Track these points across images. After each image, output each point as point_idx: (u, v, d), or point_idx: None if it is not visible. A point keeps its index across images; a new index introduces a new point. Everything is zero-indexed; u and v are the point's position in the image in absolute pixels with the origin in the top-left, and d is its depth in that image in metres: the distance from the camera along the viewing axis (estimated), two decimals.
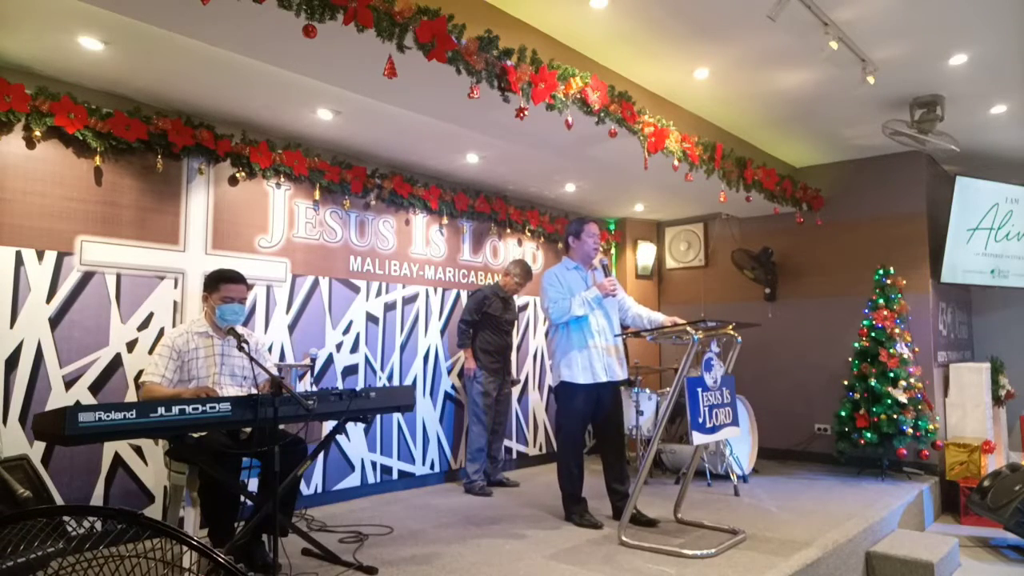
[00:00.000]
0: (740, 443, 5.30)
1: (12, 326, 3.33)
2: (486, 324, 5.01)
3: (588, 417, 3.99)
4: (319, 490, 4.47)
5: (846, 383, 5.63)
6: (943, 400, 5.93)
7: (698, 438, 3.47)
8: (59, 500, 3.31)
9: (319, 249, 4.60)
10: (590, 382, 3.90)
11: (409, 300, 5.14)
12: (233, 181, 4.18)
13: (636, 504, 3.79)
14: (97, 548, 1.20)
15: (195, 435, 2.94)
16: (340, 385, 4.62)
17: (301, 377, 4.44)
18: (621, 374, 4.03)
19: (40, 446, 3.34)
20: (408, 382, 5.07)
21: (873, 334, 5.52)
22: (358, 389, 3.15)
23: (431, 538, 3.68)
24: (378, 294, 4.93)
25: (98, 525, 1.25)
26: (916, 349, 5.63)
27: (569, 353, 3.92)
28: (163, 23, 2.72)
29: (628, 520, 3.67)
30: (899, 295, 5.63)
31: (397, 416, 4.96)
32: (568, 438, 4.00)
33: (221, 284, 3.24)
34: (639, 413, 5.32)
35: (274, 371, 3.08)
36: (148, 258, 3.80)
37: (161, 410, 2.53)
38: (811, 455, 6.18)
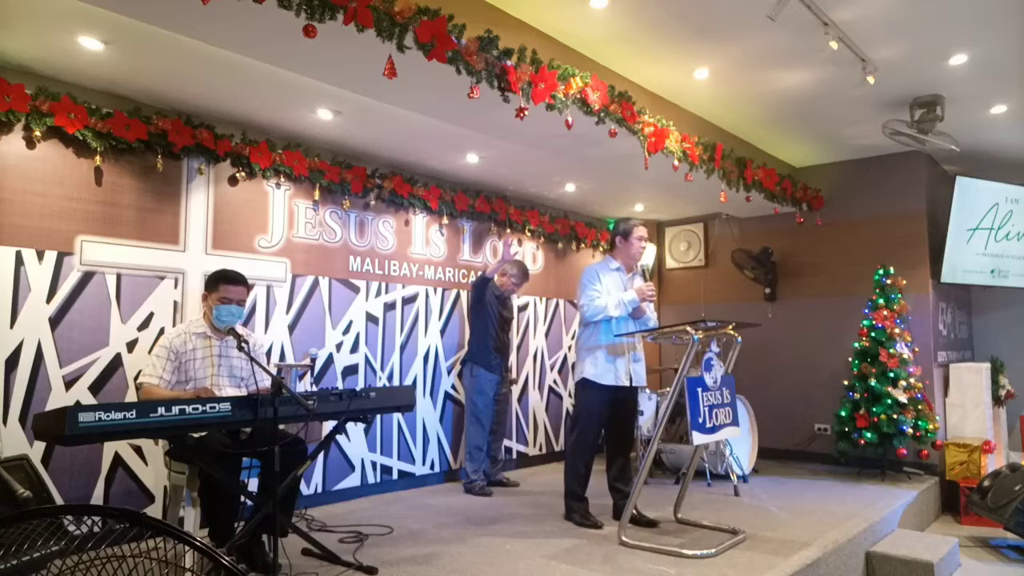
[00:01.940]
0: (740, 443, 5.29)
1: (12, 326, 3.33)
2: (486, 319, 5.01)
3: (604, 418, 3.96)
4: (319, 490, 4.47)
5: (846, 383, 5.63)
6: (943, 400, 5.94)
7: (698, 438, 3.47)
8: (59, 500, 3.31)
9: (319, 249, 4.60)
10: (611, 383, 3.88)
11: (409, 300, 5.14)
12: (233, 181, 4.18)
13: (636, 504, 3.79)
14: (97, 548, 1.20)
15: (195, 435, 2.94)
16: (340, 385, 4.62)
17: (301, 377, 4.44)
18: (643, 379, 4.03)
19: (40, 446, 3.34)
20: (408, 382, 5.07)
21: (873, 334, 5.52)
22: (358, 389, 3.15)
23: (431, 538, 3.68)
24: (378, 294, 4.93)
25: (99, 525, 1.25)
26: (916, 349, 5.63)
27: (596, 352, 3.90)
28: (163, 23, 2.72)
29: (628, 520, 3.67)
30: (899, 295, 5.63)
31: (397, 416, 4.96)
32: (581, 436, 3.97)
33: (220, 284, 3.23)
34: (639, 413, 5.31)
35: (272, 371, 3.08)
36: (148, 258, 3.80)
37: (161, 410, 2.53)
38: (811, 455, 6.18)
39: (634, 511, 3.87)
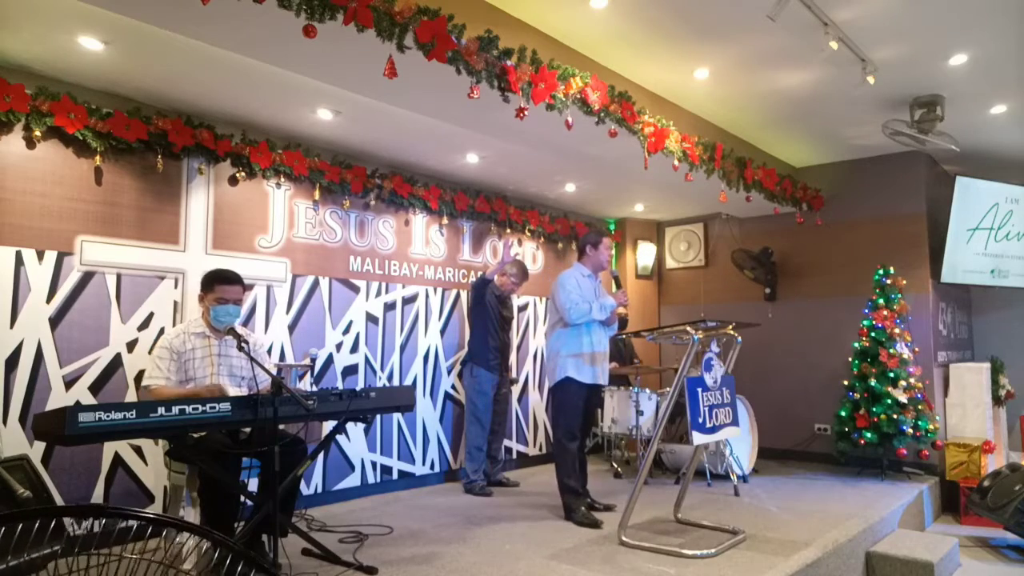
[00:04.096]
0: (740, 443, 5.29)
1: (12, 326, 3.33)
2: (485, 319, 5.01)
3: (583, 414, 4.14)
4: (319, 490, 4.47)
5: (846, 383, 5.63)
6: (943, 400, 5.94)
7: (698, 438, 3.47)
8: (59, 500, 3.31)
9: (319, 249, 4.60)
10: (589, 382, 4.07)
11: (409, 300, 5.14)
12: (233, 181, 4.18)
13: (592, 495, 3.80)
14: (97, 548, 1.20)
15: (195, 435, 2.94)
16: (340, 385, 4.62)
17: (301, 377, 4.44)
18: (607, 379, 4.26)
19: (40, 446, 3.34)
20: (408, 382, 5.07)
21: (873, 334, 5.52)
22: (358, 389, 3.15)
23: (431, 538, 3.68)
24: (378, 294, 4.93)
25: (97, 525, 1.25)
26: (916, 349, 5.63)
27: (576, 353, 4.09)
28: (163, 23, 2.72)
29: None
30: (899, 295, 5.63)
31: (397, 416, 4.96)
32: (569, 430, 4.09)
33: (216, 285, 3.23)
34: (639, 413, 5.31)
35: (272, 371, 3.08)
36: (148, 258, 3.80)
37: (161, 410, 2.53)
38: (811, 455, 6.18)
39: (591, 500, 4.21)
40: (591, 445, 6.11)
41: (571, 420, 4.08)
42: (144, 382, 3.16)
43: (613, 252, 4.33)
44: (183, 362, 3.18)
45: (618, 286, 4.20)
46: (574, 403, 4.07)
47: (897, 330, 5.49)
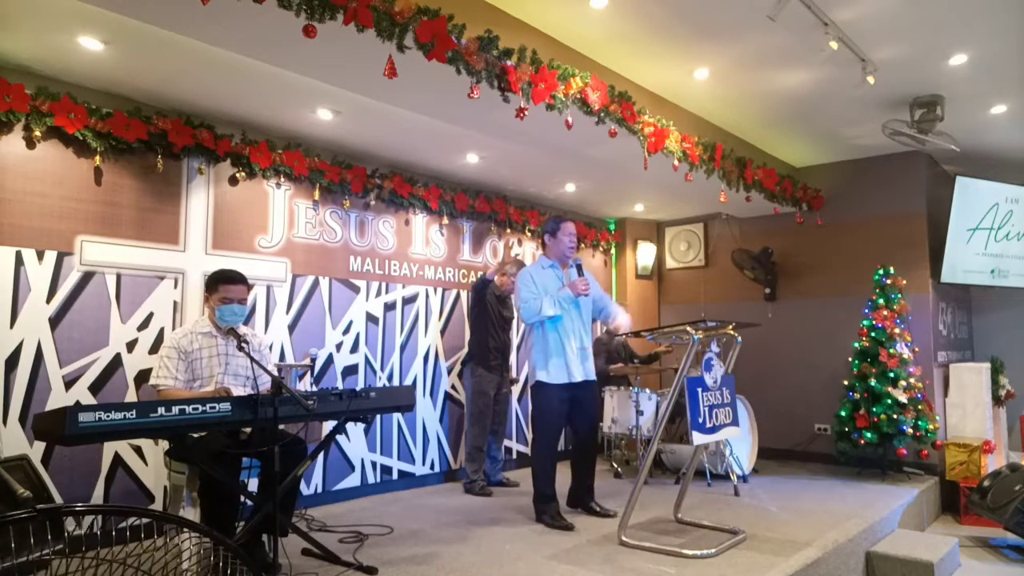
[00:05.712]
0: (740, 443, 5.29)
1: (12, 326, 3.33)
2: (486, 319, 5.01)
3: (565, 416, 4.02)
4: (319, 490, 4.47)
5: (846, 383, 5.62)
6: (943, 400, 5.94)
7: (698, 438, 3.47)
8: (59, 500, 3.31)
9: (319, 249, 4.60)
10: (565, 382, 3.95)
11: (409, 300, 5.14)
12: (233, 181, 4.18)
13: (598, 499, 3.80)
14: (99, 548, 1.20)
15: (195, 435, 2.94)
16: (340, 385, 4.62)
17: (301, 377, 4.44)
18: (593, 374, 4.09)
19: (40, 446, 3.34)
20: (408, 382, 5.07)
21: (873, 334, 5.52)
22: (358, 389, 3.15)
23: (431, 538, 3.68)
24: (378, 294, 4.93)
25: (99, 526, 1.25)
26: (916, 349, 5.62)
27: (544, 353, 3.96)
28: (163, 23, 2.72)
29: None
30: (899, 295, 5.62)
31: (397, 416, 4.96)
32: (545, 437, 4.00)
33: (220, 285, 3.24)
34: (639, 413, 5.31)
35: (274, 371, 3.08)
36: (148, 258, 3.80)
37: (161, 410, 2.53)
38: (811, 455, 6.18)
39: (593, 504, 4.11)
40: None
41: (547, 427, 3.97)
42: (152, 381, 3.17)
43: (574, 238, 4.07)
44: (190, 362, 3.19)
45: (579, 274, 3.99)
46: (549, 407, 3.95)
47: (897, 330, 5.49)
